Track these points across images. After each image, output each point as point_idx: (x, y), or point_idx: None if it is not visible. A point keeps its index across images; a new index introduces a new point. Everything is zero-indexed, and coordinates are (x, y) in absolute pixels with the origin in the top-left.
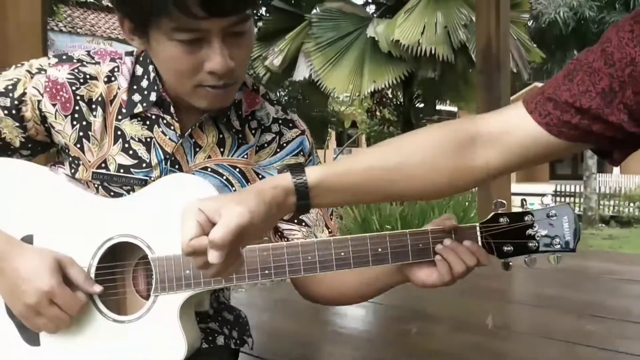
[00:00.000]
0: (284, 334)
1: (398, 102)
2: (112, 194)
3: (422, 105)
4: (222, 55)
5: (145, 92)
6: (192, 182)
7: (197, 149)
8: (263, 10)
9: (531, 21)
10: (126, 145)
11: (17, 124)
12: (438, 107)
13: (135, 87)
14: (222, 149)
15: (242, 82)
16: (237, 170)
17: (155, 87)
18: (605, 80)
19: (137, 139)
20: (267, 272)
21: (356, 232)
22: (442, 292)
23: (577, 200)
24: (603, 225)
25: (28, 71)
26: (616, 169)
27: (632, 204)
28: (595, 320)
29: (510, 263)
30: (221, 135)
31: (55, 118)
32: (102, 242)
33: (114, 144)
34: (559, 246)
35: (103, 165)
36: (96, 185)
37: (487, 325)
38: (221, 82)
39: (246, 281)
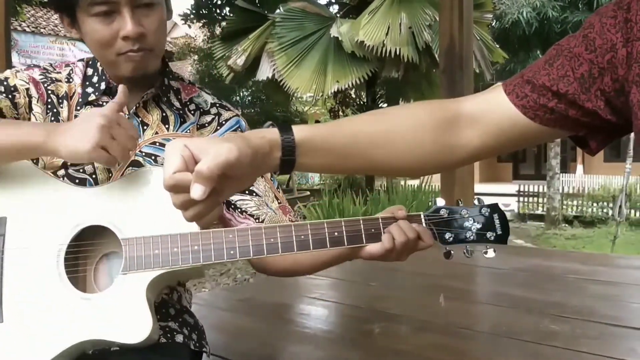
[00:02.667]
0: (248, 334)
1: (361, 102)
2: (76, 181)
3: (385, 105)
4: (132, 21)
5: (96, 85)
6: (159, 172)
7: (145, 127)
8: (227, 10)
9: (494, 21)
10: None
11: (12, 107)
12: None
13: (87, 83)
14: (167, 126)
15: (161, 52)
16: None
17: (104, 78)
18: (585, 65)
19: None
20: (232, 252)
21: None
22: (405, 292)
23: (540, 200)
24: (566, 225)
25: (9, 74)
26: (579, 169)
27: (595, 204)
28: (558, 320)
29: (452, 252)
30: (164, 114)
31: (37, 102)
32: (74, 225)
33: None
34: (492, 238)
35: None
36: (62, 175)
37: (440, 304)
38: (136, 46)
39: (212, 260)
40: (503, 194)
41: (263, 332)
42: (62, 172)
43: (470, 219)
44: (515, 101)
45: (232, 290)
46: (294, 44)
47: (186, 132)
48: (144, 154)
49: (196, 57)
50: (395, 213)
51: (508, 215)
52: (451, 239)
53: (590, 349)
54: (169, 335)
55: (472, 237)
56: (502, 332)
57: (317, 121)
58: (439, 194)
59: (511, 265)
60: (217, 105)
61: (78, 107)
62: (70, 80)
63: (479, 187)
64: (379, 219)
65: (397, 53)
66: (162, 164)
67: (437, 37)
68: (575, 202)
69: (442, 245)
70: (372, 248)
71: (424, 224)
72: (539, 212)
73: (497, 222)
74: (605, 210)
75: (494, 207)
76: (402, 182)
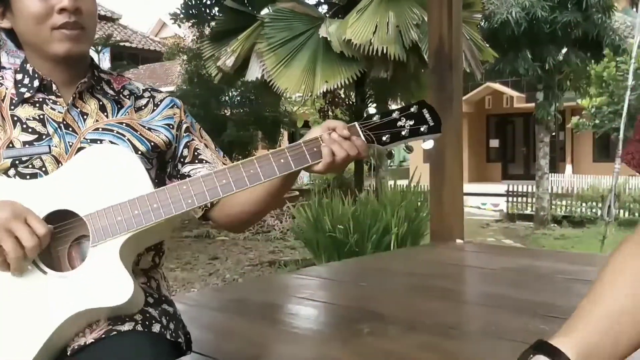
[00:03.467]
0: (237, 334)
1: (350, 102)
2: (27, 177)
3: (374, 105)
4: None
5: (29, 84)
6: (109, 149)
7: (85, 117)
8: (216, 10)
9: (483, 21)
10: (24, 126)
11: None
12: (390, 106)
13: (19, 85)
14: (105, 113)
15: (92, 36)
16: (124, 124)
17: (36, 76)
18: None
19: (32, 119)
20: (189, 201)
21: (309, 231)
22: (395, 292)
23: (529, 200)
24: (555, 225)
25: None
26: (568, 169)
27: (584, 204)
28: (547, 320)
29: (393, 151)
30: (101, 102)
31: None
32: (37, 214)
33: (14, 128)
34: (426, 130)
35: (11, 145)
36: (13, 174)
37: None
38: (72, 19)
39: (174, 212)
40: (492, 194)
41: (252, 332)
42: (12, 171)
43: (402, 118)
44: None
45: (221, 290)
46: (283, 44)
47: (125, 115)
48: (89, 140)
49: (185, 57)
50: (337, 130)
51: (497, 215)
52: (388, 139)
53: None
54: (146, 322)
55: (407, 134)
56: (491, 332)
57: (306, 121)
58: (428, 194)
59: (500, 265)
60: (149, 89)
61: (12, 107)
62: (1, 85)
63: (468, 187)
64: (318, 138)
65: (384, 52)
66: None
67: (425, 37)
68: (564, 202)
69: (382, 147)
70: (316, 167)
71: (359, 132)
72: (528, 212)
73: (427, 115)
74: (594, 211)
75: (421, 103)
76: (391, 182)
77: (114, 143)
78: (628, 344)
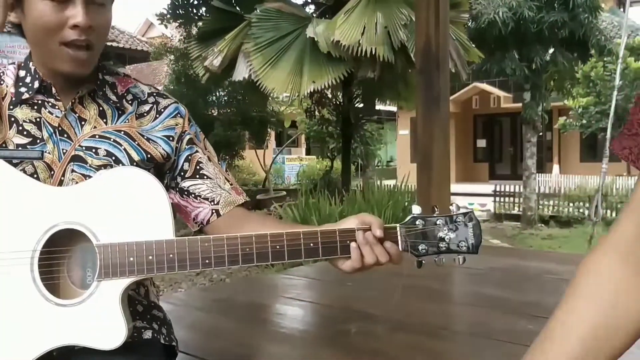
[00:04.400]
0: (224, 334)
1: (337, 102)
2: None
3: (361, 105)
4: (84, 12)
5: (29, 84)
6: (135, 173)
7: (83, 122)
8: (203, 10)
9: (470, 21)
10: (20, 128)
11: None
12: (377, 107)
13: (20, 83)
14: (104, 120)
15: (99, 54)
16: (122, 132)
17: (37, 76)
18: None
19: (28, 121)
20: (207, 261)
21: None
22: (382, 292)
23: (516, 200)
24: (542, 225)
25: None
26: (556, 169)
27: (571, 204)
28: (535, 320)
29: (424, 261)
30: (101, 108)
31: None
32: (48, 228)
33: (10, 128)
34: (464, 248)
35: (4, 145)
36: None
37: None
38: (82, 37)
39: (187, 269)
40: (479, 194)
41: (239, 332)
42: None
43: (444, 228)
44: None
45: (209, 290)
46: (270, 44)
47: (125, 122)
48: (84, 147)
49: (172, 57)
50: (372, 229)
51: (484, 215)
52: (424, 250)
53: None
54: (135, 334)
55: (444, 248)
56: (479, 332)
57: (293, 121)
58: (415, 194)
59: (487, 265)
60: (155, 94)
61: (11, 107)
62: (1, 82)
63: (455, 187)
64: (354, 230)
65: (373, 53)
66: (106, 153)
67: (412, 37)
68: (551, 202)
69: (414, 257)
70: (342, 265)
71: (399, 239)
72: (515, 212)
73: (470, 231)
74: (581, 210)
75: (469, 216)
76: (378, 182)
77: (110, 152)
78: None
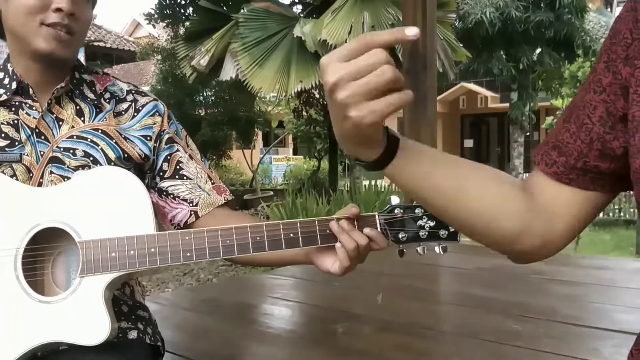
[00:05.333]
0: (211, 334)
1: (324, 102)
2: None
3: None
4: None
5: (7, 85)
6: (115, 171)
7: (61, 123)
8: (190, 10)
9: (458, 21)
10: None
11: None
12: None
13: None
14: (82, 119)
15: (80, 44)
16: (100, 131)
17: (14, 77)
18: (600, 107)
19: (6, 123)
20: (188, 254)
21: None
22: (369, 292)
23: None
24: None
25: None
26: None
27: None
28: (521, 320)
29: (405, 250)
30: (78, 107)
31: None
32: (31, 227)
33: None
34: (445, 235)
35: None
36: None
37: (377, 301)
38: (65, 21)
39: (169, 263)
40: None
41: (226, 332)
42: None
43: (424, 217)
44: (546, 170)
45: (195, 290)
46: (257, 44)
47: (102, 120)
48: (62, 149)
49: (159, 57)
50: (349, 211)
51: None
52: (404, 238)
53: (554, 349)
54: (120, 335)
55: (425, 236)
56: (465, 332)
57: (280, 121)
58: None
59: (474, 265)
60: (133, 92)
61: None
62: None
63: None
64: (333, 219)
65: None
66: (84, 154)
67: None
68: None
69: (395, 245)
70: (332, 267)
71: (378, 225)
72: None
73: None
74: None
75: None
76: (366, 182)
77: (87, 152)
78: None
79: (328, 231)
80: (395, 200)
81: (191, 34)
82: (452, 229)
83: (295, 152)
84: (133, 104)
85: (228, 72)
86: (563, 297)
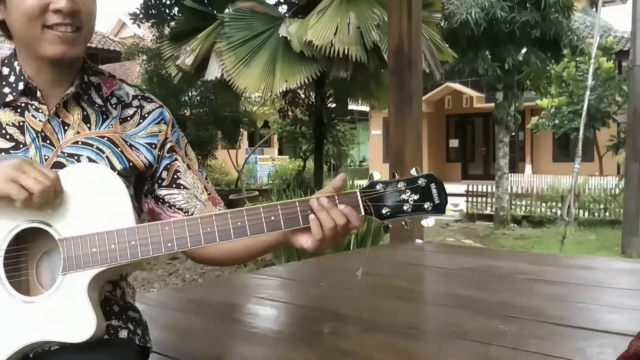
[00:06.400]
0: (197, 334)
1: (310, 102)
2: None
3: (334, 105)
4: None
5: (14, 85)
6: (90, 168)
7: (66, 127)
8: (175, 10)
9: (443, 21)
10: (3, 132)
11: None
12: (350, 106)
13: (4, 82)
14: (88, 125)
15: (89, 37)
16: (106, 139)
17: (22, 78)
18: None
19: (11, 124)
20: (169, 244)
21: None
22: (354, 292)
23: (489, 200)
24: (515, 225)
25: None
26: (528, 169)
27: (544, 204)
28: (507, 320)
29: (390, 226)
30: (85, 113)
31: None
32: (11, 228)
33: None
34: (430, 208)
35: None
36: None
37: (357, 276)
38: (67, 20)
39: (151, 254)
40: (452, 194)
41: (212, 332)
42: None
43: (407, 191)
44: None
45: (181, 290)
46: (243, 44)
47: (109, 128)
48: (66, 154)
49: (145, 57)
50: (333, 185)
51: (457, 215)
52: (388, 213)
53: (539, 349)
54: (112, 332)
55: (409, 209)
56: (451, 332)
57: (265, 121)
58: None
59: (460, 265)
60: (139, 97)
61: None
62: None
63: None
64: (314, 199)
65: (345, 53)
66: (88, 160)
67: (385, 37)
68: (523, 202)
69: (379, 221)
70: (306, 243)
71: (360, 202)
72: (488, 212)
73: (434, 191)
74: (554, 210)
75: (430, 177)
76: (350, 182)
77: (92, 159)
78: None
79: (309, 211)
80: (377, 176)
81: (176, 34)
82: (437, 201)
83: (280, 152)
84: (139, 110)
85: (213, 72)
86: (548, 297)
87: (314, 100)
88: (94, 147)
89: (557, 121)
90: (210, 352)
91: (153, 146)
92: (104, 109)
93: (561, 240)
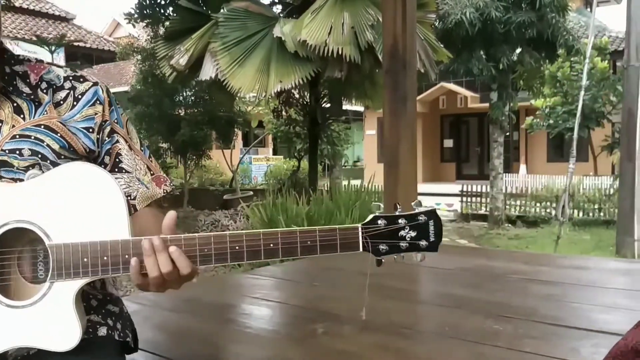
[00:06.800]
0: (192, 335)
1: (305, 102)
2: None
3: (328, 105)
4: None
5: None
6: (87, 170)
7: (0, 124)
8: (170, 10)
9: (438, 21)
10: None
11: None
12: (345, 107)
13: None
14: (22, 116)
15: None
16: (42, 126)
17: None
18: None
19: None
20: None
21: None
22: (349, 292)
23: (483, 200)
24: (509, 225)
25: None
26: (522, 169)
27: (538, 204)
28: (502, 320)
29: (383, 260)
30: (15, 104)
31: None
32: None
33: None
34: (424, 246)
35: None
36: None
37: (361, 317)
38: None
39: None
40: (446, 194)
41: (207, 332)
42: None
43: (406, 227)
44: None
45: (176, 290)
46: (237, 44)
47: (43, 115)
48: (7, 151)
49: (139, 57)
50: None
51: (451, 215)
52: (385, 250)
53: (533, 349)
54: (90, 330)
55: (405, 247)
56: (445, 332)
57: (260, 121)
58: (382, 194)
59: (454, 265)
60: (71, 78)
61: None
62: None
63: (422, 187)
64: (315, 230)
65: (340, 53)
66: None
67: (379, 37)
68: (518, 202)
69: (374, 257)
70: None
71: (360, 237)
72: (483, 212)
73: (431, 229)
74: (548, 210)
75: (431, 214)
76: (345, 182)
77: (34, 150)
78: None
79: (309, 242)
80: (377, 209)
81: (171, 34)
82: (432, 239)
83: (275, 152)
84: (71, 91)
85: (208, 72)
86: (543, 297)
87: (308, 100)
88: (32, 137)
89: (551, 121)
90: (204, 352)
91: (90, 130)
92: (32, 96)
93: (556, 240)
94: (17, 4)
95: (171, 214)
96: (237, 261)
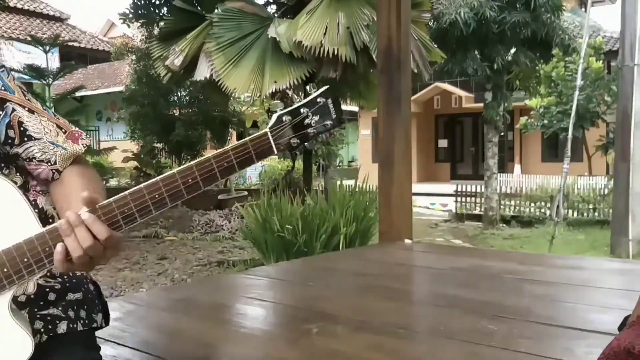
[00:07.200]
0: (186, 335)
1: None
2: None
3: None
4: None
5: None
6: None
7: None
8: (165, 10)
9: (432, 21)
10: None
11: None
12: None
13: None
14: None
15: None
16: None
17: None
18: None
19: None
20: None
21: (257, 231)
22: (343, 292)
23: (478, 200)
24: (504, 225)
25: None
26: (517, 169)
27: (533, 204)
28: (496, 320)
29: (297, 153)
30: None
31: None
32: None
33: None
34: (330, 124)
35: None
36: None
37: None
38: None
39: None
40: (441, 194)
41: (201, 332)
42: None
43: (309, 114)
44: None
45: (170, 290)
46: (232, 44)
47: None
48: None
49: (134, 57)
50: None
51: (446, 215)
52: (296, 143)
53: (527, 349)
54: (49, 327)
55: (313, 133)
56: (440, 332)
57: (254, 122)
58: (376, 194)
59: (449, 265)
60: None
61: None
62: None
63: (417, 187)
64: (229, 151)
65: (335, 53)
66: None
67: (374, 37)
68: (512, 202)
69: (289, 152)
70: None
71: (271, 140)
72: (477, 212)
73: (331, 107)
74: (542, 210)
75: (327, 93)
76: (339, 182)
77: None
78: None
79: (226, 164)
80: (278, 107)
81: (165, 34)
82: (334, 115)
83: None
84: None
85: (202, 72)
86: (537, 297)
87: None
88: None
89: (546, 121)
90: (199, 352)
91: None
92: None
93: (550, 240)
94: (11, 4)
95: (86, 194)
96: (162, 208)
